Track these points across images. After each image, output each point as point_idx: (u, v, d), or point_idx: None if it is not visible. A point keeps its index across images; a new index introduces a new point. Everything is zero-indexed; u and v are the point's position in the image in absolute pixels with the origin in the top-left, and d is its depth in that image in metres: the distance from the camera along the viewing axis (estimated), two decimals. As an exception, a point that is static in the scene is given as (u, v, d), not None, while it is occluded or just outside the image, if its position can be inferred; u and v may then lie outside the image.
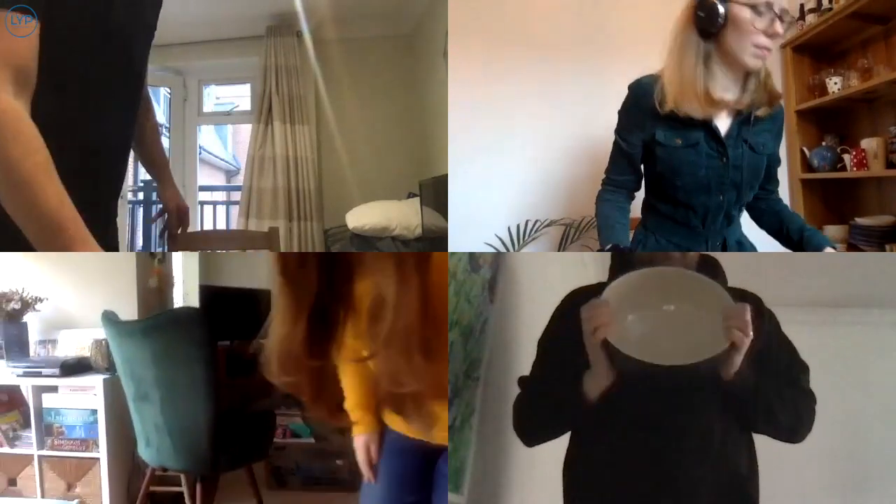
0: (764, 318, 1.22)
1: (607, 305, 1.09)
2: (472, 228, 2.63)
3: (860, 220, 2.42)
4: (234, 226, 4.67)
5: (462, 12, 2.69)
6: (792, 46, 2.71)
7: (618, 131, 1.67)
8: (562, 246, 2.64)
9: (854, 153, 2.40)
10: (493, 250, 2.54)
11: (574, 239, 2.63)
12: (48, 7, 1.03)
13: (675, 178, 1.57)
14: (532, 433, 1.31)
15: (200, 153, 5.12)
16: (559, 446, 1.30)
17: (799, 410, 1.21)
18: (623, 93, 1.65)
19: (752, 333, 1.05)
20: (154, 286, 2.87)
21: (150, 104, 1.73)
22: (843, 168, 2.48)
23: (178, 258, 3.29)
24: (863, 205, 2.58)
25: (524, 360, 1.35)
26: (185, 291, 3.42)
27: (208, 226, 5.02)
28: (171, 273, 3.12)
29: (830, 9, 2.45)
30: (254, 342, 0.83)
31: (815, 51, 2.70)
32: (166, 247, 1.92)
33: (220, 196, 5.76)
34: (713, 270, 1.24)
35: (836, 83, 2.47)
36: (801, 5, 2.68)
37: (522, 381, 1.32)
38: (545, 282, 1.85)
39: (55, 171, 0.92)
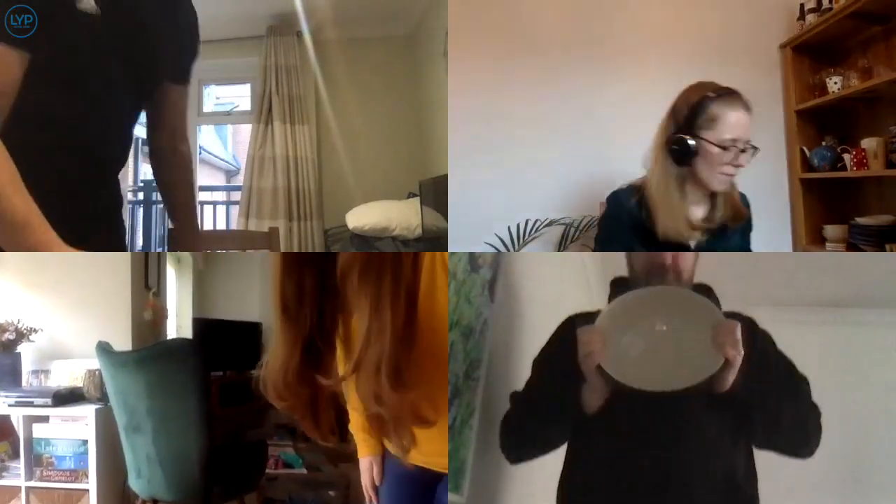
0: (757, 336, 1.23)
1: (600, 332, 1.13)
2: (472, 228, 2.63)
3: (860, 220, 2.42)
4: (234, 226, 4.67)
5: (462, 12, 2.69)
6: (792, 46, 2.71)
7: (598, 242, 1.72)
8: (562, 246, 2.64)
9: (854, 153, 2.39)
10: (493, 250, 2.54)
11: (574, 239, 2.63)
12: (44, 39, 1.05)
13: None
14: (520, 449, 1.33)
15: (200, 153, 5.13)
16: (559, 447, 1.30)
17: (805, 424, 1.22)
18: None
19: (742, 350, 1.08)
20: (148, 318, 2.89)
21: (188, 159, 1.62)
22: (843, 168, 2.48)
23: (172, 291, 3.29)
24: (863, 204, 2.58)
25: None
26: (178, 323, 3.44)
27: (208, 226, 5.02)
28: (165, 305, 3.13)
29: (830, 9, 2.45)
30: (256, 371, 0.88)
31: (815, 51, 2.70)
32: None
33: (220, 196, 5.75)
34: (707, 296, 1.25)
35: (836, 83, 2.47)
36: (802, 5, 2.68)
37: (514, 397, 1.33)
38: (545, 282, 1.84)
39: (19, 177, 0.94)
